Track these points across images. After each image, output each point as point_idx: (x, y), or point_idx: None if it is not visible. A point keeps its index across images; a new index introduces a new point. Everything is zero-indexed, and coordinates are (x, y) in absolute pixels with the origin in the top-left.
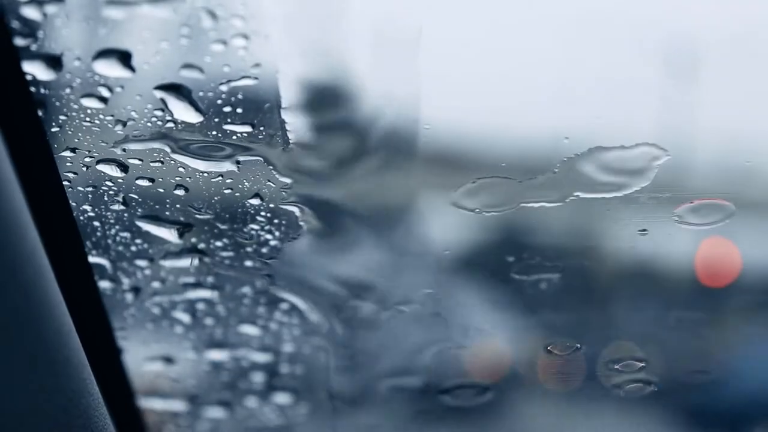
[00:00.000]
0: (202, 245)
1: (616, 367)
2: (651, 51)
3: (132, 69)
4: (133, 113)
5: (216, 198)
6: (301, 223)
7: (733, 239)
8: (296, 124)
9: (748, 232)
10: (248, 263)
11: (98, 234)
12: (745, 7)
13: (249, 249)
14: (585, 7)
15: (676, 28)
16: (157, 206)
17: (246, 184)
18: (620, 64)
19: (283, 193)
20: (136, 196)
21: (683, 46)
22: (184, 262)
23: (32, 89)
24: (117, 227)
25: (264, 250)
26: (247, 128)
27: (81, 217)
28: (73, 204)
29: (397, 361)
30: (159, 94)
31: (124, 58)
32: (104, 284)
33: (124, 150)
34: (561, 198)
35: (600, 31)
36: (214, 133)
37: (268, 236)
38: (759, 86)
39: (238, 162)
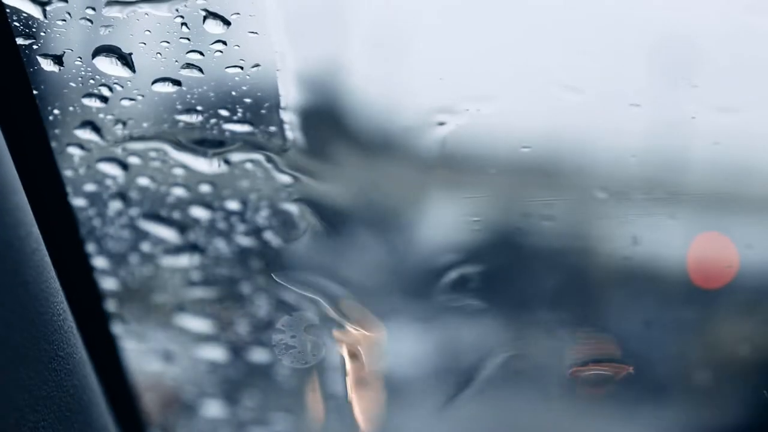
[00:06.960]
0: (201, 244)
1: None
2: (649, 50)
3: (132, 68)
4: (133, 112)
5: (216, 197)
6: (301, 223)
7: (730, 239)
8: (296, 124)
9: (745, 231)
10: (248, 262)
11: (99, 232)
12: (744, 6)
13: (249, 248)
14: (590, 11)
15: (675, 27)
16: (157, 205)
17: (246, 183)
18: (618, 63)
19: (283, 192)
20: (137, 195)
21: (682, 45)
22: (184, 261)
23: (33, 88)
24: (117, 226)
25: (264, 249)
26: (247, 128)
27: (81, 216)
28: (74, 203)
29: (396, 360)
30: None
31: (125, 57)
32: (105, 282)
33: (124, 149)
34: (560, 198)
35: (600, 31)
36: (215, 132)
37: (268, 235)
38: (756, 85)
39: (238, 161)
